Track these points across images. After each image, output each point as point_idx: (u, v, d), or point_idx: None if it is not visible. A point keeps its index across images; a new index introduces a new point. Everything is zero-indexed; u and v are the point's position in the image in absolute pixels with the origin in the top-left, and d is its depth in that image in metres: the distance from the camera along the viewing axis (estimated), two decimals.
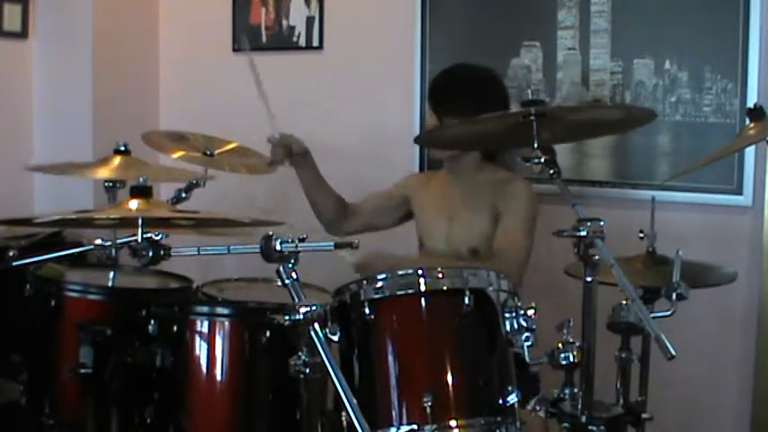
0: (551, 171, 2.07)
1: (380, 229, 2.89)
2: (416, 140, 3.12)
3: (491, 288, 1.99)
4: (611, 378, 2.22)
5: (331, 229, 2.85)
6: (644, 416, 2.20)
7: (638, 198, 3.01)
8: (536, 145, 2.07)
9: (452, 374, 1.92)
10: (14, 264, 2.39)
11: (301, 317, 1.69)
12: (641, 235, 2.30)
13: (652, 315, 1.92)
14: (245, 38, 2.65)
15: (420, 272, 1.96)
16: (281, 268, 1.74)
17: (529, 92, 3.12)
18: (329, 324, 1.74)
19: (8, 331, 2.70)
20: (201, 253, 1.90)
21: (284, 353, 1.81)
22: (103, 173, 2.85)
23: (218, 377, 2.23)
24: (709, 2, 2.94)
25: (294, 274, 1.74)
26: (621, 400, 2.21)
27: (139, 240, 1.91)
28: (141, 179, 2.51)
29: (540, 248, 2.81)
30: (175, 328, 2.23)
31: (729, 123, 2.91)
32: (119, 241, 2.09)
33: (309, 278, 2.06)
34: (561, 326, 1.97)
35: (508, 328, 1.96)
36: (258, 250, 1.75)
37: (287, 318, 1.70)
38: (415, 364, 1.95)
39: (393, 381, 1.92)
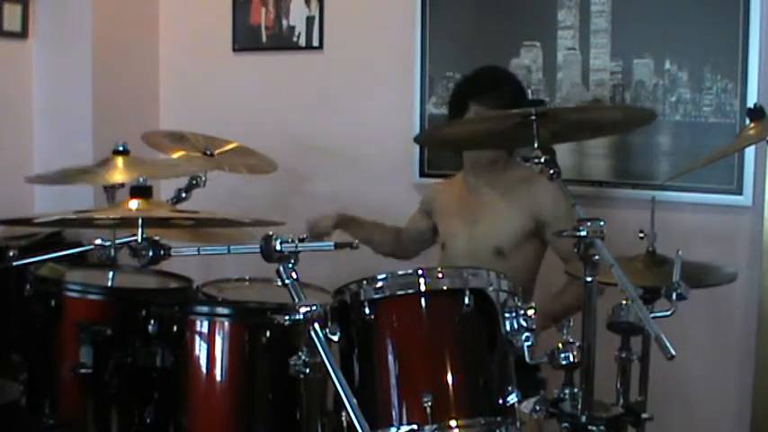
0: (551, 171, 2.07)
1: (431, 244, 3.04)
2: (416, 140, 3.12)
3: (491, 288, 1.99)
4: (611, 378, 2.21)
5: (396, 257, 3.04)
6: (644, 416, 2.19)
7: (638, 198, 3.01)
8: (536, 145, 2.07)
9: (452, 374, 1.92)
10: (14, 264, 2.39)
11: (301, 317, 1.69)
12: (641, 235, 2.30)
13: (652, 315, 1.91)
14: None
15: (420, 272, 1.96)
16: (281, 268, 1.74)
17: (529, 92, 3.12)
18: (329, 324, 1.75)
19: (8, 331, 2.70)
20: (201, 253, 1.90)
21: (284, 353, 1.81)
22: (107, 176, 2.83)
23: (218, 377, 2.23)
24: (709, 2, 2.94)
25: (294, 274, 1.74)
26: (621, 400, 2.21)
27: (139, 240, 1.91)
28: (141, 179, 2.51)
29: None
30: (175, 328, 2.23)
31: (729, 123, 2.91)
32: (119, 241, 2.09)
33: (309, 278, 2.06)
34: (561, 326, 1.97)
35: (508, 328, 1.96)
36: (258, 250, 1.75)
37: (287, 318, 1.70)
38: (415, 364, 1.95)
39: (393, 381, 1.92)
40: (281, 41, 3.74)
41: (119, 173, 2.54)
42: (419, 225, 3.03)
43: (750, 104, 2.29)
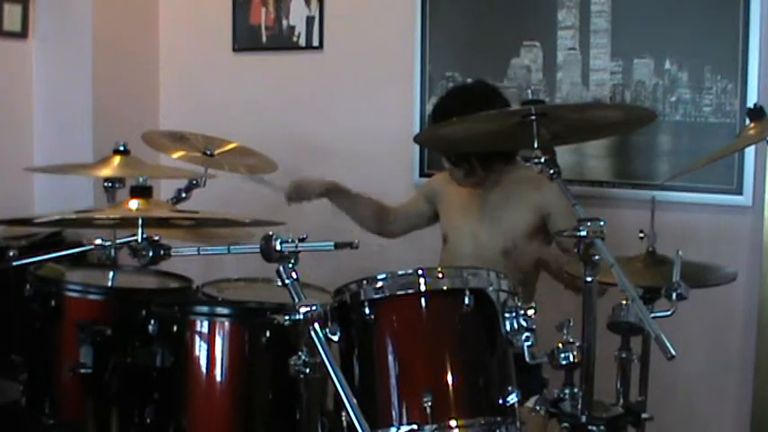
0: (551, 171, 2.07)
1: (422, 228, 3.04)
2: (416, 139, 3.12)
3: (491, 288, 1.98)
4: (611, 378, 2.21)
5: (379, 235, 3.05)
6: (644, 416, 2.20)
7: (638, 198, 3.01)
8: (536, 145, 2.07)
9: (452, 374, 1.92)
10: (14, 264, 2.39)
11: (301, 317, 1.69)
12: (641, 235, 2.30)
13: (652, 315, 1.91)
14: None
15: (420, 272, 1.96)
16: (281, 268, 1.74)
17: (529, 92, 3.11)
18: (329, 324, 1.74)
19: (8, 331, 2.70)
20: (201, 253, 1.90)
21: (284, 353, 1.81)
22: (104, 172, 2.84)
23: (218, 377, 2.23)
24: (709, 2, 2.94)
25: (294, 274, 1.74)
26: (621, 400, 2.21)
27: (139, 240, 1.91)
28: (141, 179, 2.51)
29: None
30: (175, 328, 2.22)
31: (729, 123, 2.91)
32: (119, 241, 2.09)
33: (309, 278, 2.06)
34: (561, 326, 1.97)
35: (508, 328, 1.96)
36: (258, 250, 1.75)
37: (287, 318, 1.70)
38: (415, 364, 1.95)
39: (393, 381, 1.92)
40: (281, 41, 3.74)
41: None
42: (419, 207, 3.02)
43: (750, 104, 2.29)
